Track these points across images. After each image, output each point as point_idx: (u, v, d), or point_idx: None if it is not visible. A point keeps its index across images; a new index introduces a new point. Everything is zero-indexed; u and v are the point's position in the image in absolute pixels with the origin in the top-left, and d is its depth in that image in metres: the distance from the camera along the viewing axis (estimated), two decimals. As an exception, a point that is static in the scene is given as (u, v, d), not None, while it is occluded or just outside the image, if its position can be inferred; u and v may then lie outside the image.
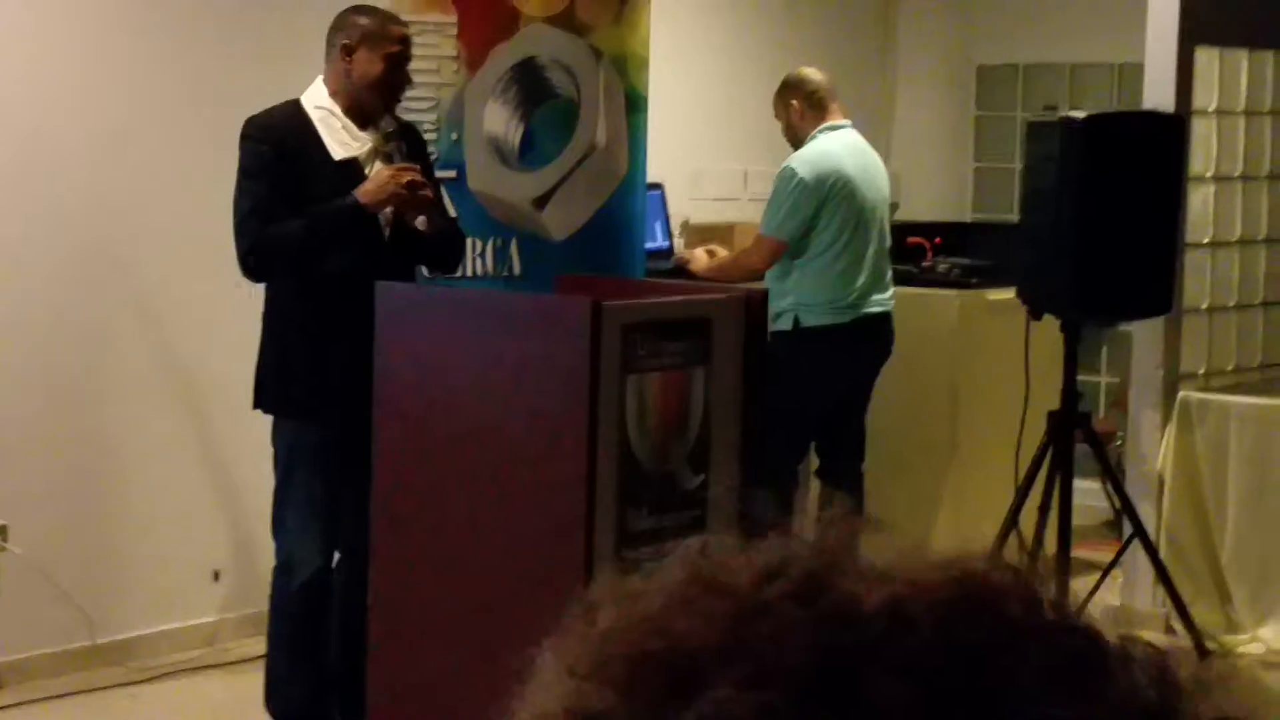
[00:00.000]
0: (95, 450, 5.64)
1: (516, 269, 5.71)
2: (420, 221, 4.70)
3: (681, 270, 6.50)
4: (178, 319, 5.77)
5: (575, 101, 5.80)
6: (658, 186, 6.72)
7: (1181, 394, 5.95)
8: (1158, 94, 5.81)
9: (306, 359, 4.69)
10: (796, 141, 6.27)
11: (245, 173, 4.70)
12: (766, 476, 5.57)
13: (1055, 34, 8.36)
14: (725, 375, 4.37)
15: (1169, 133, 5.61)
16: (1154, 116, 5.69)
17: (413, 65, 5.47)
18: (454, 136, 5.59)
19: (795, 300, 6.03)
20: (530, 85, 5.74)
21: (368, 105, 4.77)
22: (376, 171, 4.70)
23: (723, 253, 6.55)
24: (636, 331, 4.14)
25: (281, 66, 5.55)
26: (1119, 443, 7.04)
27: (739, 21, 7.81)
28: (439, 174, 5.49)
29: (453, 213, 5.26)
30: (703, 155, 7.59)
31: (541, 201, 5.77)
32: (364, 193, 4.63)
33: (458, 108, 5.60)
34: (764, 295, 4.65)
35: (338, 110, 4.75)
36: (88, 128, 5.54)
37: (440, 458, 4.29)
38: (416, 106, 5.51)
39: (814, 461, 6.50)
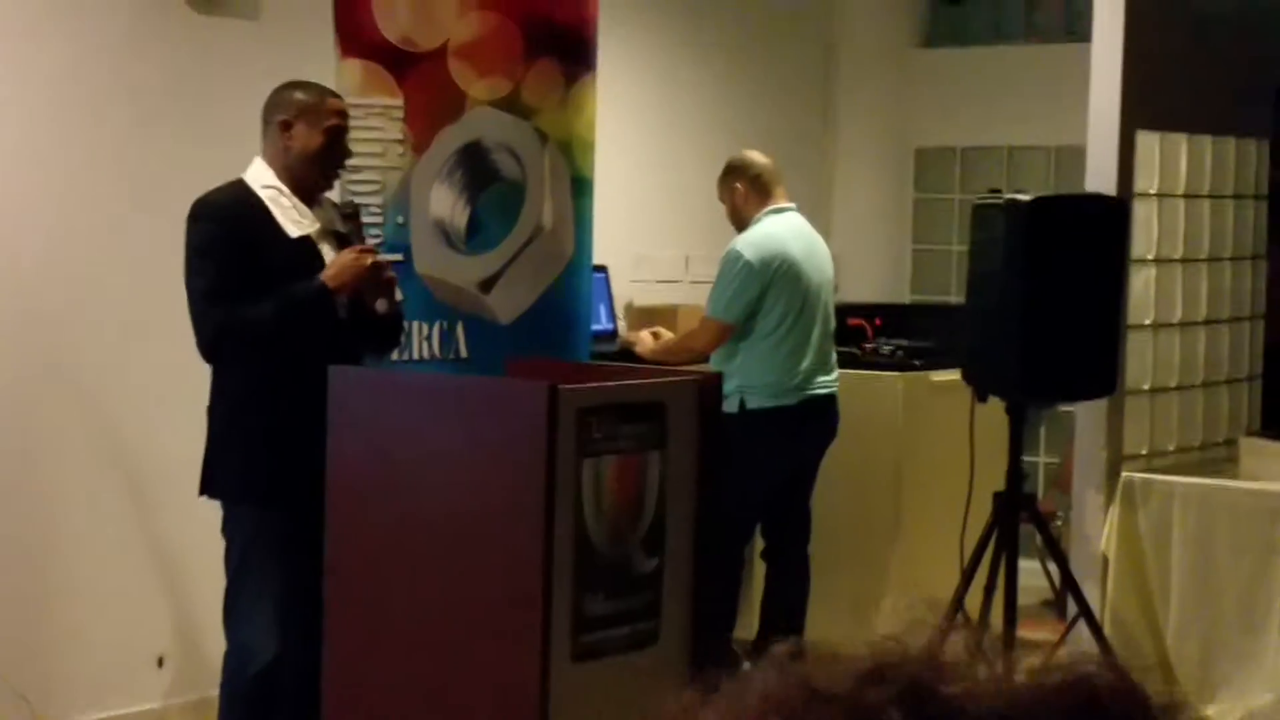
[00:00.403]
0: (36, 534, 5.57)
1: (463, 352, 5.70)
2: (380, 304, 4.68)
3: (627, 352, 6.51)
4: (120, 400, 5.72)
5: (521, 184, 5.81)
6: (602, 269, 6.74)
7: (1125, 474, 5.98)
8: (1100, 177, 5.87)
9: (269, 445, 4.63)
10: (741, 224, 6.30)
11: (199, 253, 4.65)
12: (714, 560, 5.56)
13: (992, 118, 8.45)
14: (680, 458, 4.37)
15: (1112, 215, 5.67)
16: (1098, 199, 5.74)
17: (358, 148, 5.49)
18: (400, 220, 5.59)
19: (741, 382, 6.04)
20: (476, 168, 5.74)
21: (309, 180, 4.76)
22: (341, 254, 4.68)
23: (667, 335, 6.56)
24: (592, 415, 4.13)
25: (218, 147, 5.54)
26: (1059, 522, 7.08)
27: (679, 105, 7.86)
28: (385, 257, 5.48)
29: (399, 295, 5.25)
30: (645, 239, 7.62)
31: (488, 284, 5.76)
32: (329, 276, 4.62)
33: (404, 191, 5.60)
34: (718, 378, 4.66)
35: (284, 188, 4.74)
36: (27, 216, 5.49)
37: (394, 542, 4.26)
38: (362, 189, 5.51)
39: (759, 544, 6.50)
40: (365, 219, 5.45)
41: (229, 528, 4.72)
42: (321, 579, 4.54)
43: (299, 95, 4.78)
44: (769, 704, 0.76)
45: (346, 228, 4.78)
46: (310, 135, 4.73)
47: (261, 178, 4.74)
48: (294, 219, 4.72)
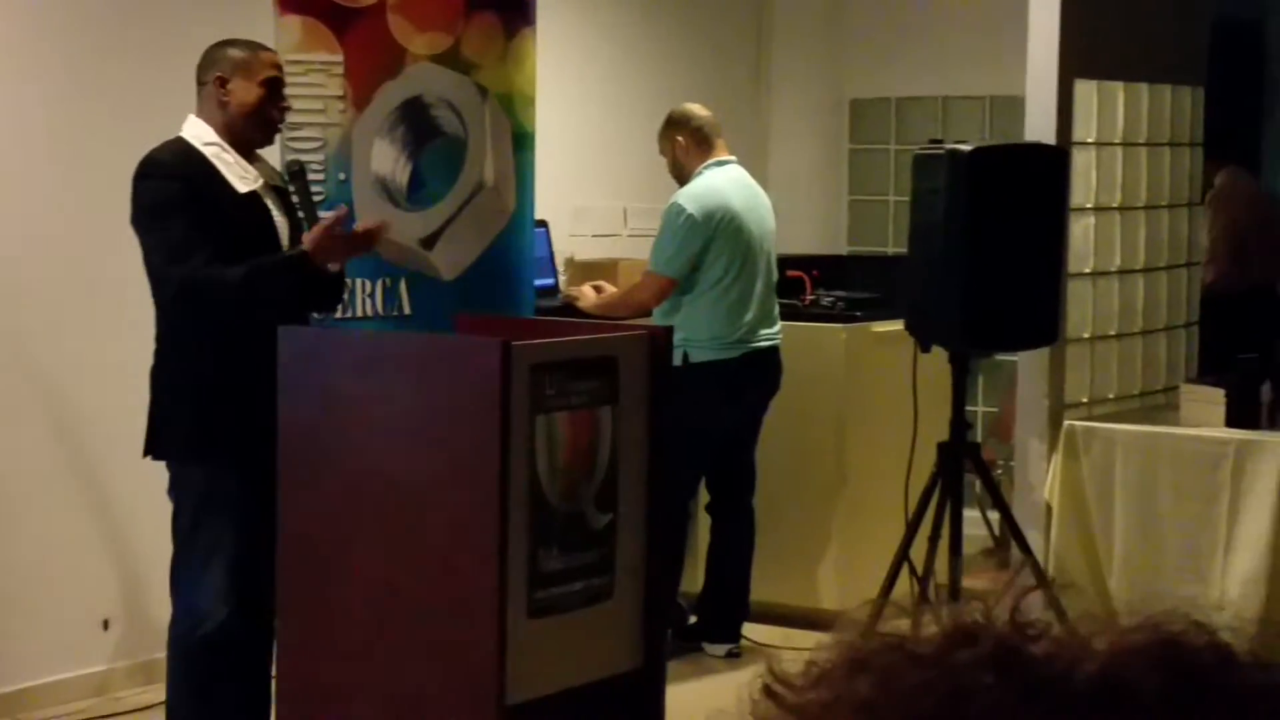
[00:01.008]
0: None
1: (406, 309, 5.68)
2: (332, 264, 4.66)
3: (569, 308, 6.49)
4: (61, 363, 5.67)
5: (462, 140, 5.78)
6: (543, 224, 6.72)
7: (1067, 423, 6.03)
8: (1039, 126, 5.90)
9: (217, 403, 4.58)
10: (682, 178, 6.29)
11: (153, 212, 4.59)
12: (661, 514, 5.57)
13: (927, 68, 8.46)
14: (632, 414, 4.38)
15: (1052, 164, 5.70)
16: (1038, 148, 5.77)
17: (298, 104, 5.45)
18: (341, 176, 5.56)
19: (684, 336, 6.04)
20: (417, 124, 5.71)
21: (249, 136, 4.72)
22: (322, 223, 4.64)
23: (610, 289, 6.55)
24: (545, 371, 4.13)
25: (155, 107, 5.49)
26: (999, 471, 7.13)
27: (615, 58, 7.84)
28: (327, 213, 5.45)
29: None
30: (583, 192, 7.60)
31: (430, 241, 5.74)
32: (314, 246, 4.57)
33: (345, 147, 5.57)
34: (668, 332, 4.66)
35: (226, 145, 4.70)
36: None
37: (348, 501, 4.25)
38: (303, 146, 5.47)
39: (704, 496, 6.52)
40: (307, 176, 5.42)
41: (177, 489, 4.66)
42: (270, 537, 4.51)
43: (233, 51, 4.75)
44: (860, 665, 0.76)
45: (294, 187, 4.74)
46: (247, 90, 4.69)
47: (202, 135, 4.69)
48: (239, 175, 4.68)
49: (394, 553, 4.18)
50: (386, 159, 5.65)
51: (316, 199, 5.38)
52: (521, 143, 5.91)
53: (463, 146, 5.78)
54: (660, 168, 6.42)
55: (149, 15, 5.86)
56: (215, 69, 4.73)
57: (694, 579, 6.53)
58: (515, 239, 5.92)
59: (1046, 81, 5.91)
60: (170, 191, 4.59)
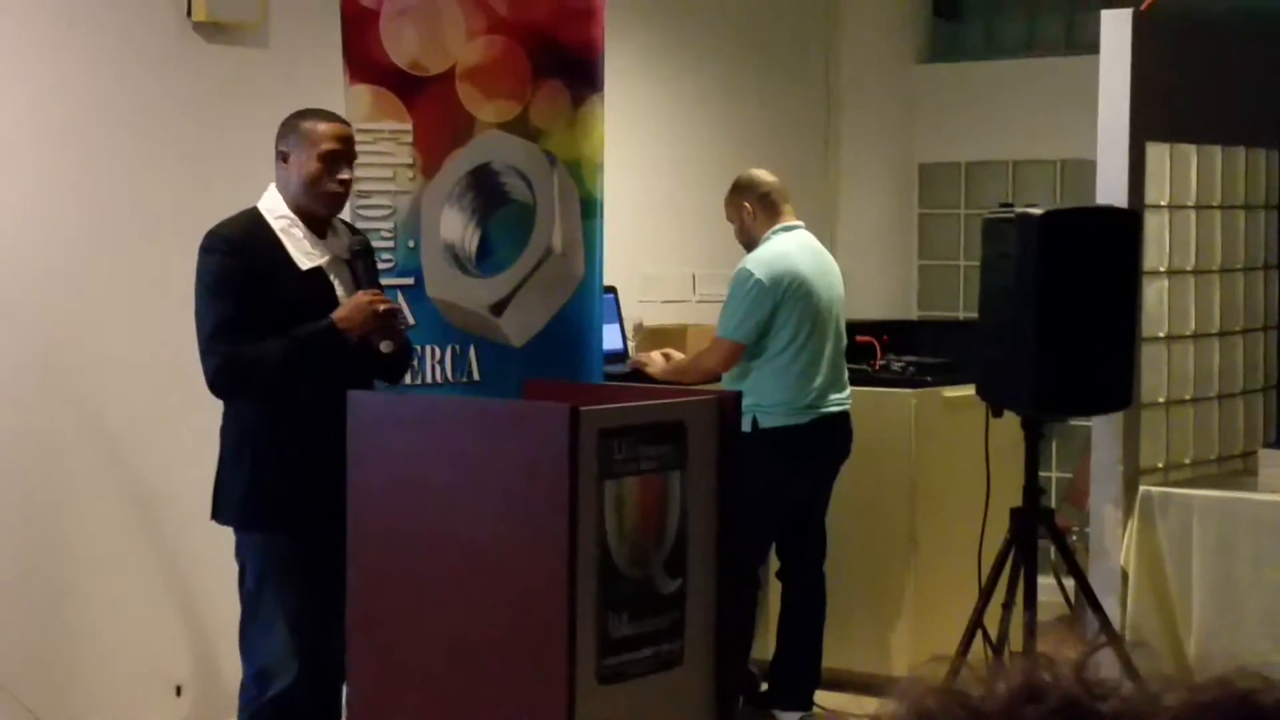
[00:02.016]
0: (53, 564, 5.55)
1: (476, 375, 5.68)
2: (384, 345, 4.64)
3: (638, 373, 6.48)
4: (131, 429, 5.69)
5: (531, 206, 5.80)
6: (611, 290, 6.72)
7: (1143, 488, 5.96)
8: (1110, 189, 5.85)
9: (275, 472, 4.64)
10: (750, 243, 6.28)
11: (209, 288, 4.64)
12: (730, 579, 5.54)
13: (996, 132, 8.44)
14: (700, 478, 4.35)
15: (1124, 227, 5.65)
16: (1109, 211, 5.72)
17: (368, 173, 5.48)
18: (411, 244, 5.58)
19: (754, 401, 6.01)
20: (486, 191, 5.73)
21: (310, 209, 4.73)
22: (354, 298, 4.65)
23: (679, 355, 6.54)
24: (614, 436, 4.11)
25: (226, 176, 5.55)
26: (1073, 538, 7.05)
27: (683, 125, 7.85)
28: (396, 281, 5.48)
29: (411, 320, 5.23)
30: (653, 259, 7.61)
31: (499, 307, 5.75)
32: (341, 319, 4.60)
33: (414, 215, 5.59)
34: (737, 397, 4.63)
35: (296, 219, 4.72)
36: (39, 239, 5.48)
37: (417, 566, 4.24)
38: (372, 214, 5.50)
39: (775, 563, 6.48)
40: (376, 243, 5.45)
41: (241, 552, 4.73)
42: (334, 600, 4.56)
43: (297, 123, 4.77)
44: None
45: (357, 266, 4.75)
46: (307, 162, 4.71)
47: (275, 208, 4.74)
48: (305, 250, 4.71)
49: (463, 618, 4.16)
50: (455, 226, 5.67)
51: (386, 266, 5.41)
52: (590, 209, 5.92)
53: (531, 213, 5.79)
54: (729, 233, 6.41)
55: (229, 82, 5.90)
56: (282, 142, 4.77)
57: (765, 645, 6.48)
58: (584, 305, 5.92)
59: (1118, 144, 5.86)
60: (226, 268, 4.63)
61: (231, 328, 4.57)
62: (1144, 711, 0.72)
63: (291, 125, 4.77)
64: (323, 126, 4.75)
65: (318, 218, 4.75)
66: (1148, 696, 0.73)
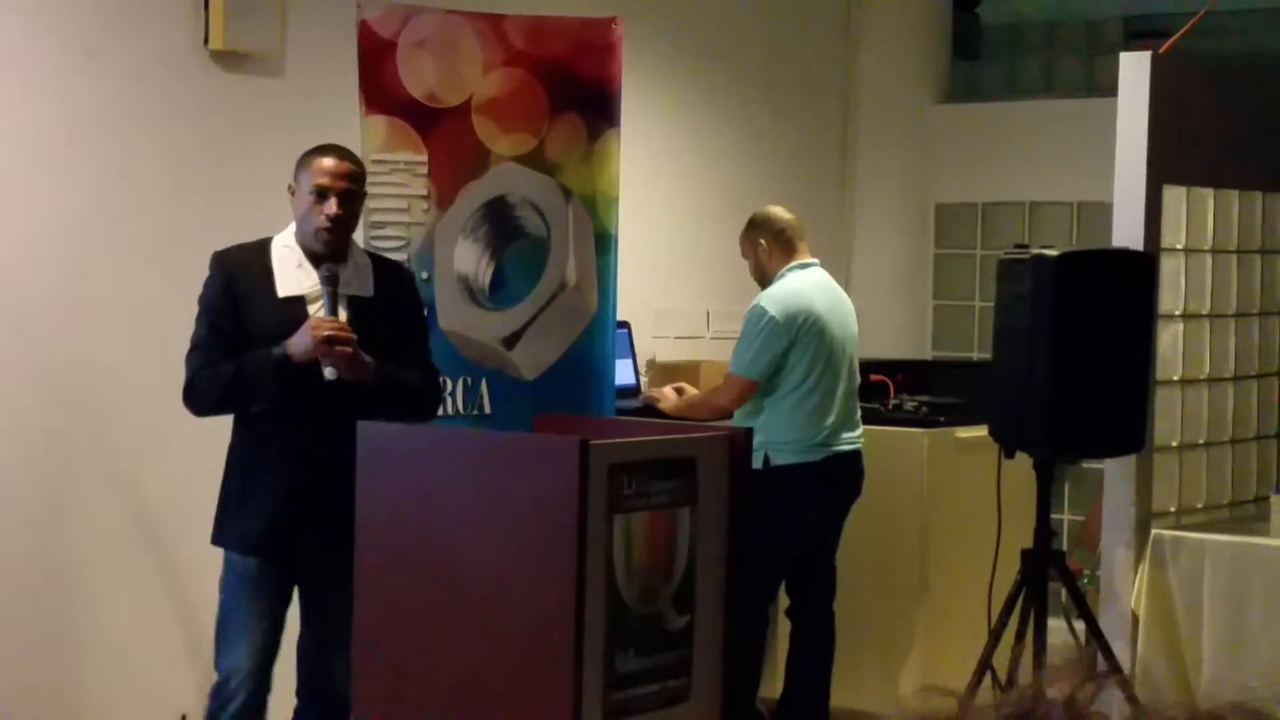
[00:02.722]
0: (60, 593, 5.55)
1: (487, 408, 5.68)
2: (328, 371, 4.60)
3: (650, 408, 6.47)
4: (140, 456, 5.69)
5: (545, 240, 5.80)
6: (624, 325, 6.71)
7: (1154, 532, 5.93)
8: (1126, 232, 5.83)
9: (247, 495, 4.76)
10: (764, 280, 6.27)
11: (200, 305, 4.79)
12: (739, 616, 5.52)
13: (1013, 173, 8.44)
14: (711, 514, 4.33)
15: (1140, 270, 5.63)
16: (1125, 254, 5.71)
17: (382, 204, 5.49)
18: (424, 275, 5.58)
19: (765, 439, 5.99)
20: (501, 224, 5.74)
21: (307, 242, 4.75)
22: (309, 322, 4.66)
23: (691, 391, 6.53)
24: (624, 471, 4.10)
25: (241, 205, 5.55)
26: (1085, 580, 7.02)
27: (699, 161, 7.85)
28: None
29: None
30: (666, 294, 7.60)
31: (512, 340, 5.75)
32: (290, 343, 4.63)
33: (428, 246, 5.59)
34: (748, 434, 4.62)
35: (297, 248, 4.76)
36: (55, 263, 5.49)
37: (424, 598, 4.22)
38: (386, 245, 5.50)
39: (784, 600, 6.45)
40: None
41: (222, 572, 4.86)
42: (336, 629, 4.65)
43: (303, 158, 4.81)
44: None
45: (322, 291, 4.71)
46: (301, 197, 4.76)
47: (285, 237, 4.81)
48: (295, 278, 4.74)
49: (469, 651, 4.14)
50: (469, 258, 5.67)
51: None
52: (604, 244, 5.92)
53: (545, 247, 5.79)
54: (743, 270, 6.40)
55: (246, 111, 5.90)
56: (293, 176, 4.79)
57: (773, 684, 6.46)
58: (597, 340, 5.91)
59: (1135, 187, 5.85)
60: (210, 289, 4.77)
61: (203, 346, 4.72)
62: None
63: (300, 159, 4.82)
64: (318, 162, 4.76)
65: (313, 252, 4.75)
66: None
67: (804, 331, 6.09)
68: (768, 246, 6.25)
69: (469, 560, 4.15)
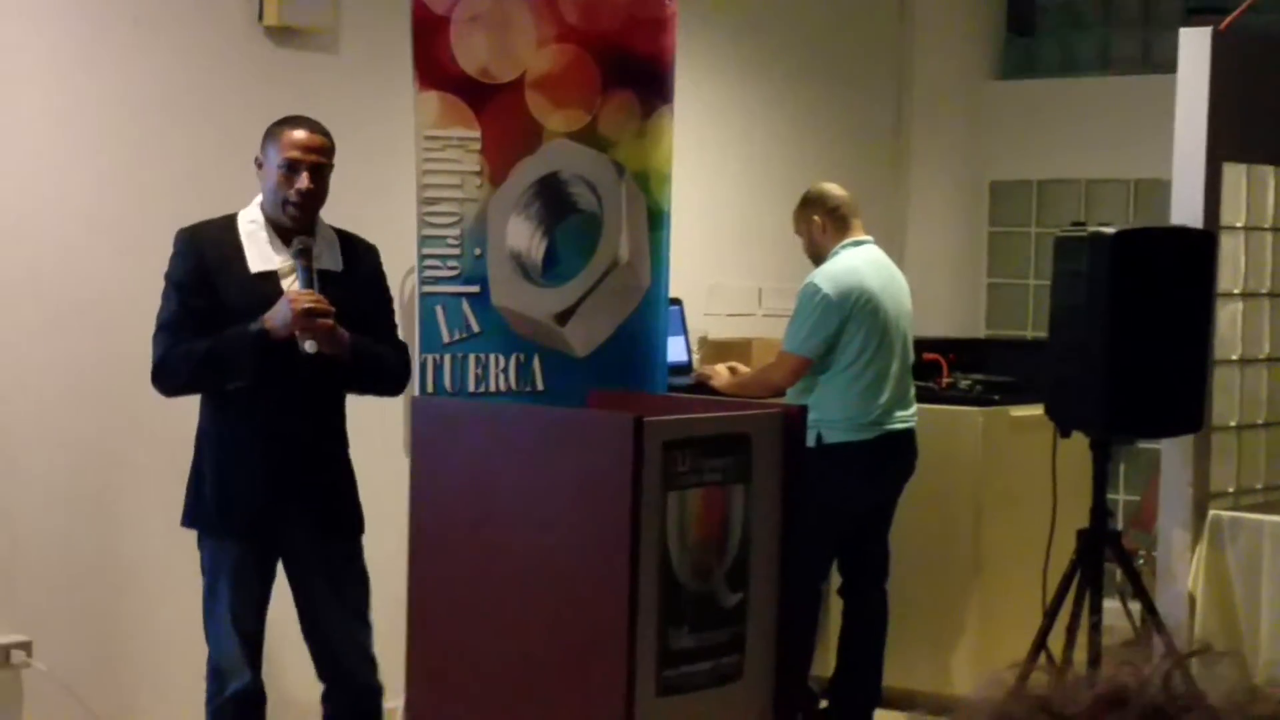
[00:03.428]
0: (117, 566, 5.57)
1: (540, 385, 5.66)
2: (308, 344, 4.57)
3: (702, 386, 6.45)
4: (185, 445, 5.69)
5: (598, 216, 5.77)
6: (677, 302, 6.68)
7: (1212, 513, 5.88)
8: (1185, 209, 5.78)
9: (219, 479, 4.71)
10: (818, 257, 6.24)
11: (167, 283, 4.73)
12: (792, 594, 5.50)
13: (1069, 150, 8.37)
14: (764, 492, 4.31)
15: (1198, 248, 5.58)
16: (1183, 232, 5.65)
17: (436, 179, 5.46)
18: (477, 252, 5.55)
19: (818, 416, 5.96)
20: (553, 200, 5.71)
21: (274, 215, 4.72)
22: (283, 297, 4.62)
23: (744, 369, 6.50)
24: (678, 448, 4.08)
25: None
26: (1140, 561, 6.97)
27: (753, 138, 7.82)
28: (461, 289, 5.46)
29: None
30: (719, 271, 7.57)
31: (564, 317, 5.72)
32: (267, 318, 4.59)
33: (481, 223, 5.57)
34: (802, 411, 4.59)
35: (264, 223, 4.73)
36: (108, 242, 5.49)
37: (477, 574, 4.21)
38: (439, 221, 5.48)
39: (837, 579, 6.42)
40: (443, 250, 5.44)
41: (199, 548, 4.82)
42: (345, 611, 4.75)
43: (271, 130, 4.77)
44: None
45: (295, 264, 4.68)
46: (270, 171, 4.72)
47: (251, 212, 4.77)
48: (265, 254, 4.71)
49: (523, 627, 4.13)
50: (522, 235, 5.64)
51: (451, 273, 5.40)
52: (657, 220, 5.88)
53: (598, 223, 5.76)
54: (796, 248, 6.37)
55: (299, 87, 5.89)
56: (260, 149, 4.78)
57: (825, 663, 6.43)
58: (649, 317, 5.88)
59: (1194, 164, 5.79)
60: (176, 267, 4.72)
61: (174, 325, 4.66)
62: None
63: (267, 132, 4.79)
64: (288, 134, 4.73)
65: (280, 226, 4.72)
66: (1234, 706, 0.69)
67: (857, 309, 6.06)
68: (821, 223, 6.22)
69: (522, 537, 4.13)
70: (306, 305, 4.54)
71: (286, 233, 4.71)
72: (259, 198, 4.78)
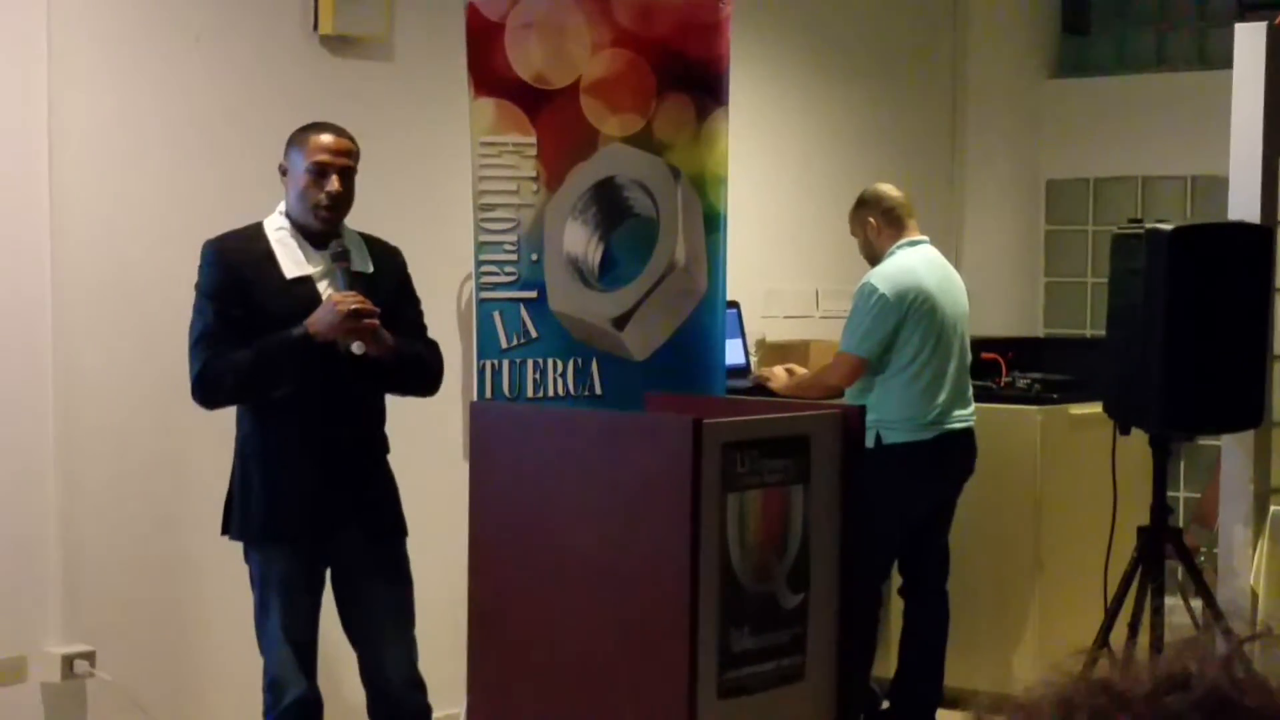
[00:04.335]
0: (180, 576, 5.62)
1: (598, 389, 5.68)
2: (356, 346, 4.59)
3: (760, 388, 6.46)
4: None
5: (654, 220, 5.79)
6: (734, 305, 6.70)
7: (1274, 508, 5.85)
8: (1243, 205, 5.76)
9: (264, 489, 4.71)
10: (874, 258, 6.24)
11: (200, 296, 4.71)
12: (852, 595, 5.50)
13: (1125, 148, 8.35)
14: (824, 493, 4.32)
15: (1256, 243, 5.56)
16: (1241, 227, 5.63)
17: (492, 185, 5.50)
18: (534, 257, 5.59)
19: (877, 417, 5.96)
20: (609, 204, 5.73)
21: (302, 220, 4.72)
22: (325, 300, 4.62)
23: (802, 370, 6.51)
24: (737, 449, 4.09)
25: (361, 193, 5.56)
26: (1202, 558, 6.95)
27: (807, 139, 7.82)
28: (518, 294, 5.50)
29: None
30: (776, 274, 7.58)
31: (622, 321, 5.74)
32: (311, 322, 4.58)
33: (537, 228, 5.60)
34: (861, 411, 4.59)
35: (293, 230, 4.73)
36: (167, 251, 5.53)
37: (537, 578, 4.23)
38: (495, 227, 5.51)
39: (897, 580, 6.42)
40: (500, 256, 5.48)
41: (246, 561, 4.82)
42: (385, 615, 4.78)
43: (295, 136, 4.78)
44: (1066, 707, 0.72)
45: (332, 268, 4.68)
46: (297, 177, 4.73)
47: (277, 219, 4.77)
48: (297, 259, 4.71)
49: (583, 630, 4.15)
50: (579, 240, 5.67)
51: (508, 279, 5.43)
52: (713, 223, 5.90)
53: (655, 227, 5.78)
54: (852, 249, 6.37)
55: (354, 95, 5.92)
56: (284, 156, 4.78)
57: (887, 663, 6.43)
58: (707, 319, 5.90)
59: (1251, 159, 5.77)
60: (210, 278, 4.70)
61: (209, 337, 4.63)
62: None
63: (291, 138, 4.79)
64: (314, 139, 4.73)
65: (308, 232, 4.73)
66: None
67: (914, 309, 6.06)
68: (876, 224, 6.22)
69: (582, 539, 4.15)
70: (353, 306, 4.55)
71: (314, 237, 4.72)
72: (281, 205, 4.77)
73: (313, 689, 4.77)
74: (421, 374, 4.89)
